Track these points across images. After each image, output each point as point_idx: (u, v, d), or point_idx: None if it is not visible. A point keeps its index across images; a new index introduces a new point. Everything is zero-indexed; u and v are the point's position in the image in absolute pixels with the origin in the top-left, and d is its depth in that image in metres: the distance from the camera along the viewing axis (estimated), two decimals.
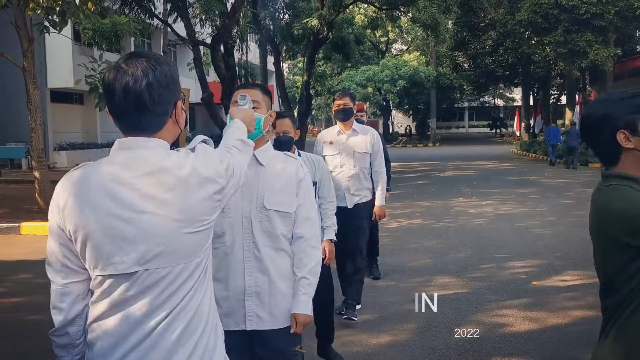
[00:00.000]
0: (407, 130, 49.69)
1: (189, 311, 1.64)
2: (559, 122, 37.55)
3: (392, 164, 6.94)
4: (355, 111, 5.92)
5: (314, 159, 4.06)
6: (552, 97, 39.80)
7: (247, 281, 2.44)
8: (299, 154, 3.92)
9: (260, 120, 2.43)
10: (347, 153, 5.23)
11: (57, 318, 1.68)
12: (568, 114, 28.57)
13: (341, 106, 5.17)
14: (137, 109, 1.60)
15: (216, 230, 2.28)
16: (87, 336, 1.66)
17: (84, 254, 1.59)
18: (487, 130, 55.92)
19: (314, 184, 3.61)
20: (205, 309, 1.70)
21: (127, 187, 1.57)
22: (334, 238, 3.77)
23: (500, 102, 58.52)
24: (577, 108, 28.03)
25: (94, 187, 1.57)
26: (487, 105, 58.57)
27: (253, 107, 2.36)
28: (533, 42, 22.25)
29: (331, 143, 5.25)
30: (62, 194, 1.61)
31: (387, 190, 6.33)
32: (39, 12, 9.70)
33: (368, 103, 45.26)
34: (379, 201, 5.45)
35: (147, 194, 1.57)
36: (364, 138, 5.26)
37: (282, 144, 3.58)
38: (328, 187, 3.98)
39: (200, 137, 1.78)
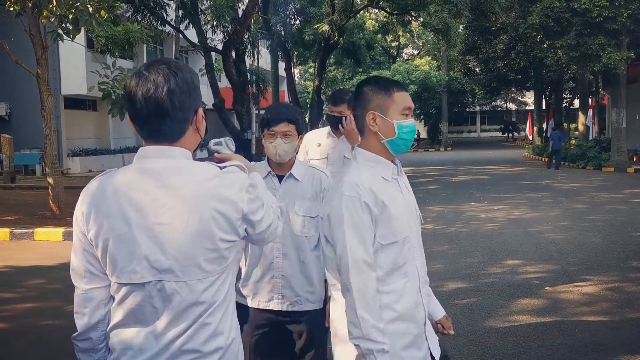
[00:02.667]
0: (417, 135, 49.49)
1: (206, 330, 1.63)
2: (572, 125, 37.38)
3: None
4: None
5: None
6: (565, 100, 39.57)
7: (426, 310, 2.20)
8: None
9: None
10: (336, 158, 4.45)
11: (80, 323, 1.69)
12: (581, 117, 28.39)
13: (335, 113, 4.50)
14: (159, 115, 1.60)
15: (397, 262, 2.08)
16: (109, 341, 1.68)
17: (104, 260, 1.61)
18: (499, 134, 55.70)
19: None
20: (225, 329, 1.68)
21: (147, 197, 1.58)
22: None
23: (512, 106, 58.22)
24: (590, 112, 27.87)
25: (115, 195, 1.59)
26: (499, 109, 58.33)
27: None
28: (545, 45, 22.11)
29: (319, 145, 4.54)
30: (85, 200, 1.63)
31: None
32: (52, 20, 9.83)
33: None
34: None
35: (167, 204, 1.58)
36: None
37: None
38: None
39: (237, 162, 1.75)
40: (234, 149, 1.92)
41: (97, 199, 1.61)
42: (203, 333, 1.62)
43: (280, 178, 2.79)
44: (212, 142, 1.94)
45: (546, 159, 27.04)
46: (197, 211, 1.58)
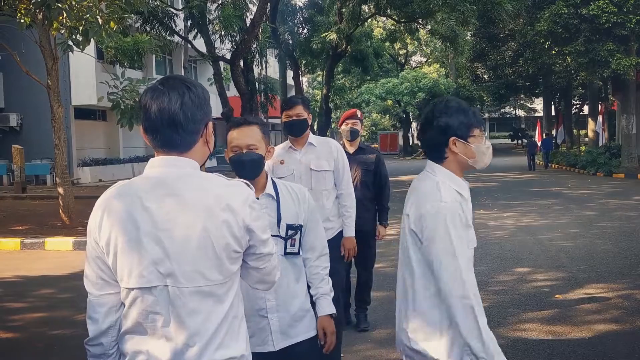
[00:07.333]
0: None
1: (212, 343, 1.67)
2: (582, 132, 37.23)
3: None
4: (344, 119, 5.13)
5: (297, 191, 2.69)
6: (574, 107, 39.41)
7: None
8: (274, 184, 2.65)
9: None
10: (303, 172, 4.04)
11: (91, 328, 1.75)
12: (590, 124, 28.28)
13: (293, 117, 3.97)
14: (171, 125, 1.68)
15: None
16: (121, 346, 1.75)
17: (114, 266, 1.68)
18: (509, 141, 55.51)
19: (299, 227, 2.60)
20: (232, 343, 1.72)
21: (155, 204, 1.65)
22: (334, 311, 2.67)
23: (521, 113, 58.09)
24: (600, 118, 27.73)
25: (126, 202, 1.67)
26: (507, 116, 58.19)
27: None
28: (553, 52, 22.09)
29: (282, 162, 4.02)
30: (98, 209, 1.71)
31: (384, 224, 5.21)
32: (62, 31, 9.93)
33: (388, 115, 45.28)
34: (347, 231, 4.26)
35: (172, 212, 1.65)
36: (323, 152, 4.10)
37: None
38: (315, 234, 2.67)
39: (245, 180, 1.82)
40: None
41: (109, 208, 1.68)
42: (210, 346, 1.67)
43: None
44: None
45: (555, 166, 27.08)
46: (201, 219, 1.65)
